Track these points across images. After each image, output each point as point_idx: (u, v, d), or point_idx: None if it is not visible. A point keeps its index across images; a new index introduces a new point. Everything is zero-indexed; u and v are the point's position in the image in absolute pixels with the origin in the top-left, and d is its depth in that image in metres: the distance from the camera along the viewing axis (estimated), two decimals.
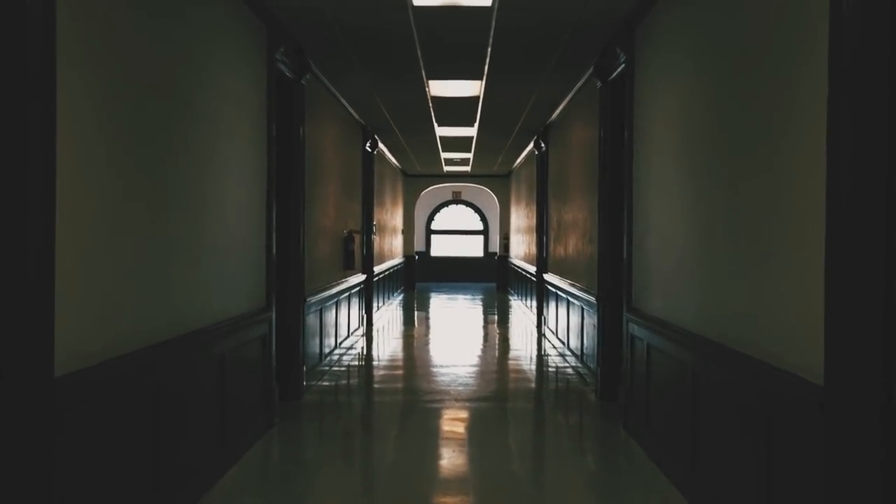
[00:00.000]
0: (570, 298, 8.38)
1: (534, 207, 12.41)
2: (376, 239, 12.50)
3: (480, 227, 22.87)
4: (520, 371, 8.30)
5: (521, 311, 13.93)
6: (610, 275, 6.46)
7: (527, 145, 12.93)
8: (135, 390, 3.25)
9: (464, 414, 6.21)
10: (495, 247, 21.62)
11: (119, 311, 3.17)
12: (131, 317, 3.28)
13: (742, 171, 3.44)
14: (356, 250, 10.01)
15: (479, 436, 5.61)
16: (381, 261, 13.52)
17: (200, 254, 4.14)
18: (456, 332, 11.59)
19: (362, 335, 10.58)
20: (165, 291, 3.65)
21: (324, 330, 7.79)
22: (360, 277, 10.40)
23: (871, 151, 2.35)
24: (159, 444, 3.50)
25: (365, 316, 11.29)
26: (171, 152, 3.71)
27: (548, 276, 10.42)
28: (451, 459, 4.93)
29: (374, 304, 12.13)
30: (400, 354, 9.57)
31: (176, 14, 3.78)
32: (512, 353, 9.58)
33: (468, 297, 17.71)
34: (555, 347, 9.42)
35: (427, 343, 10.49)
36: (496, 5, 5.30)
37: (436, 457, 5.03)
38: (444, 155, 14.56)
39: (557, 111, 9.44)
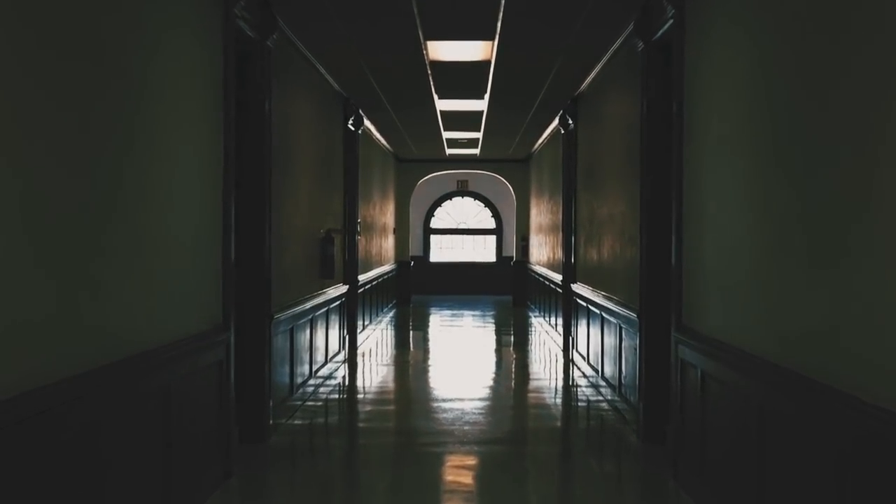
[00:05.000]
0: (604, 315, 8.37)
1: (559, 200, 12.41)
2: (361, 240, 12.51)
3: (492, 224, 22.89)
4: (542, 406, 8.28)
5: (544, 331, 13.93)
6: (654, 285, 6.45)
7: (550, 122, 12.92)
8: (53, 433, 3.24)
9: (472, 460, 6.20)
10: (511, 250, 21.63)
11: (34, 332, 3.16)
12: (51, 340, 3.27)
13: (828, 154, 3.42)
14: (336, 255, 10.01)
15: (491, 489, 5.60)
16: (368, 268, 13.52)
17: (140, 260, 4.13)
18: (462, 357, 11.58)
19: (344, 361, 10.58)
20: (95, 307, 3.64)
21: (296, 355, 7.79)
22: (342, 289, 10.40)
23: None
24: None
25: (347, 337, 11.28)
26: (99, 133, 3.71)
27: (577, 287, 10.41)
28: None
29: (359, 323, 12.13)
30: (391, 385, 9.56)
31: None
32: (532, 384, 9.57)
33: (477, 312, 17.71)
34: (586, 376, 9.41)
35: (425, 371, 10.48)
36: None
37: None
38: (446, 135, 14.56)
39: (589, 79, 9.43)
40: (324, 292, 9.19)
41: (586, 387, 9.00)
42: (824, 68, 3.42)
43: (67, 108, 3.40)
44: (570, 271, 11.25)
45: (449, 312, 17.80)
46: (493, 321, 16.30)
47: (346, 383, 9.43)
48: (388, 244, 17.42)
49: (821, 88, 3.45)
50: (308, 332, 8.40)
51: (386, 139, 15.37)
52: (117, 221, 3.87)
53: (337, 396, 8.70)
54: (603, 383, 8.44)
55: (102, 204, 3.72)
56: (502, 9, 6.64)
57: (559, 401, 8.60)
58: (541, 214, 15.98)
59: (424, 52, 8.11)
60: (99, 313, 3.68)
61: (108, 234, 3.78)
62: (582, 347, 9.99)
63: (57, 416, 3.24)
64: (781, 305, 3.84)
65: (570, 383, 9.42)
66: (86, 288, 3.56)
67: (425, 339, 13.95)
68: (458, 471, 5.95)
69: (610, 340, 8.13)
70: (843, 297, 3.21)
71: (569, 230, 11.45)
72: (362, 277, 12.39)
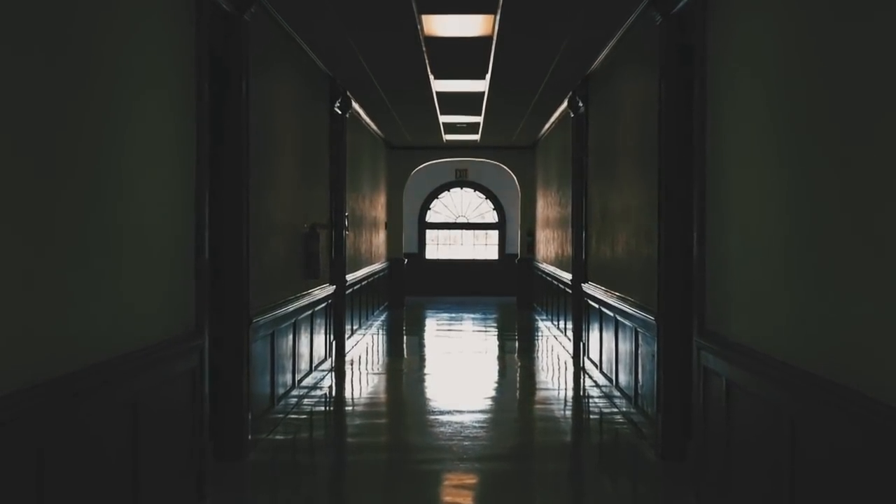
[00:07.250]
0: (618, 318, 8.36)
1: (569, 191, 12.40)
2: (350, 236, 12.51)
3: (494, 218, 22.90)
4: (550, 419, 8.27)
5: (553, 336, 13.94)
6: (674, 285, 6.45)
7: (558, 105, 12.92)
8: (5, 454, 3.21)
9: (472, 479, 6.19)
10: (515, 246, 21.64)
11: None
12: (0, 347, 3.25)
13: (873, 139, 3.40)
14: (322, 252, 10.00)
15: None
16: (357, 266, 13.52)
17: (101, 258, 4.11)
18: (461, 365, 11.59)
19: (330, 369, 10.57)
20: (52, 309, 3.62)
21: (277, 362, 7.78)
22: (328, 290, 10.39)
23: None
24: None
25: (334, 343, 11.28)
26: (51, 119, 3.68)
27: (588, 287, 10.40)
28: None
29: (347, 327, 12.13)
30: (383, 396, 9.55)
31: None
32: (539, 395, 9.57)
33: (478, 315, 17.72)
34: (598, 386, 9.42)
35: (421, 380, 10.48)
36: None
37: None
38: (443, 119, 14.55)
39: (601, 57, 9.43)
40: (308, 293, 9.18)
41: (599, 397, 8.99)
42: (871, 32, 3.40)
43: (10, 92, 3.38)
44: (581, 270, 11.24)
45: (447, 315, 17.80)
46: (495, 325, 16.31)
47: (333, 394, 9.42)
48: (380, 240, 17.41)
49: (866, 55, 3.43)
50: (291, 337, 8.39)
51: (376, 124, 15.35)
52: (74, 214, 3.84)
53: (323, 408, 8.70)
54: (617, 393, 8.44)
55: (55, 194, 3.69)
56: None
57: (569, 413, 8.60)
58: (548, 207, 15.98)
59: (419, 26, 8.09)
60: (54, 317, 3.65)
61: (64, 228, 3.75)
62: (594, 354, 9.99)
63: (5, 433, 3.22)
64: (816, 307, 3.82)
65: (581, 393, 9.42)
66: (38, 289, 3.53)
67: (421, 345, 13.95)
68: (457, 491, 5.95)
69: (625, 346, 8.13)
70: (886, 298, 3.19)
71: (579, 224, 11.45)
72: (350, 277, 12.39)
